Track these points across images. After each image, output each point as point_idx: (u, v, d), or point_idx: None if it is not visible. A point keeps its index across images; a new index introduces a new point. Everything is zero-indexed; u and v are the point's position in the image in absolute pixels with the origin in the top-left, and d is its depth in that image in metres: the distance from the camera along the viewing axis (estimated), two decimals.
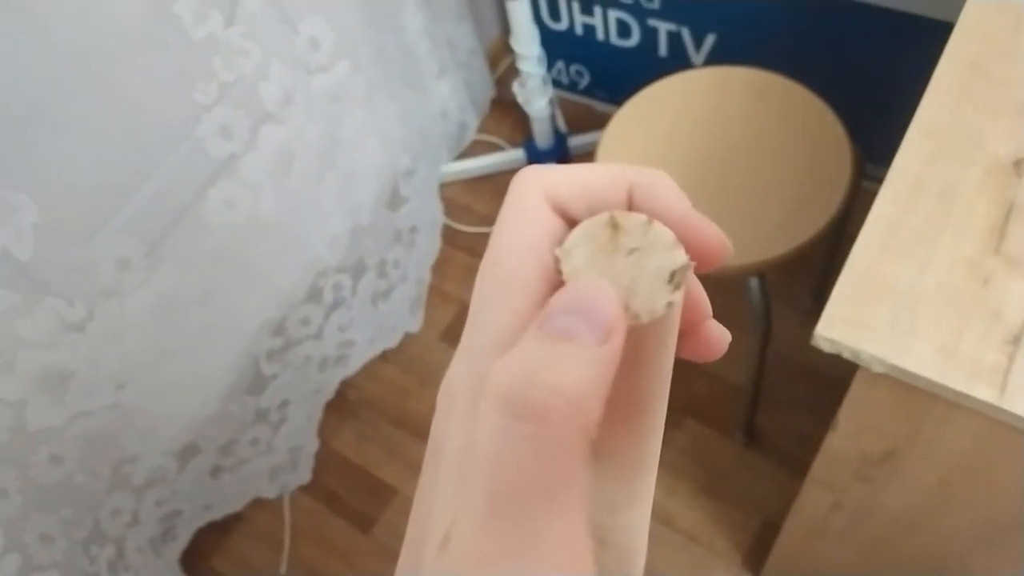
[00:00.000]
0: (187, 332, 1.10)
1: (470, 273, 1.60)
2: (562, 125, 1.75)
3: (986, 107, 0.70)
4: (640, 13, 1.51)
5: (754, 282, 1.01)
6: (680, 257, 0.19)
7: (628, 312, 0.19)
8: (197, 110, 0.98)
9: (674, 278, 0.19)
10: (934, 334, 0.59)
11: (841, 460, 0.78)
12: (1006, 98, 0.70)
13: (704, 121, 1.09)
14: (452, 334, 1.55)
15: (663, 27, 1.51)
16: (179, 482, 1.22)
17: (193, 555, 1.34)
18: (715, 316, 0.23)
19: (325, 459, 1.44)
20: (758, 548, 1.24)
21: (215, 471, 1.28)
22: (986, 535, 0.77)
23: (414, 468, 1.42)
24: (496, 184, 1.72)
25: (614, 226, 0.20)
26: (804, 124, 1.05)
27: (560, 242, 0.20)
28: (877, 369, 0.60)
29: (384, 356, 1.52)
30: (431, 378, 1.51)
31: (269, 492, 1.39)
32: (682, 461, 1.33)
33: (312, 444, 1.43)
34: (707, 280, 0.22)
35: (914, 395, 0.61)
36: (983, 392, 0.56)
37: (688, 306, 0.22)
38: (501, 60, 1.89)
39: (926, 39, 0.86)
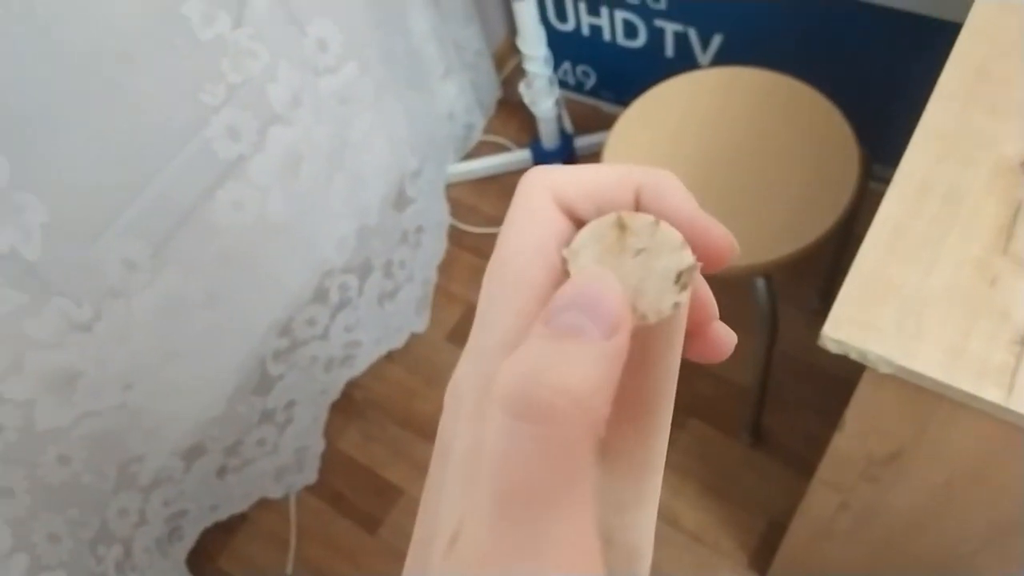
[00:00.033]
0: (193, 333, 1.10)
1: (476, 273, 1.60)
2: (568, 126, 1.75)
3: (993, 108, 0.69)
4: (647, 14, 1.51)
5: (761, 282, 1.01)
6: (687, 258, 0.19)
7: (635, 313, 0.19)
8: (205, 111, 0.98)
9: (681, 279, 0.19)
10: (941, 335, 0.59)
11: (848, 460, 0.77)
12: (1013, 99, 0.70)
13: (711, 122, 1.09)
14: (458, 334, 1.55)
15: (670, 27, 1.50)
16: (186, 482, 1.23)
17: (199, 555, 1.35)
18: (721, 316, 0.23)
19: (331, 459, 1.44)
20: (764, 548, 1.24)
21: (221, 471, 1.28)
22: (992, 535, 0.77)
23: (420, 468, 1.42)
24: (502, 185, 1.72)
25: (621, 227, 0.20)
26: (811, 125, 1.04)
27: (567, 243, 0.20)
28: (884, 370, 0.59)
29: (390, 356, 1.52)
30: (437, 378, 1.51)
31: (275, 492, 1.39)
32: (688, 461, 1.33)
33: (318, 444, 1.43)
34: (713, 280, 0.22)
35: (921, 396, 0.60)
36: (990, 392, 0.56)
37: (695, 307, 0.22)
38: (507, 61, 1.89)
39: (933, 40, 0.86)
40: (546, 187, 0.21)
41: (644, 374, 0.20)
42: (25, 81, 0.81)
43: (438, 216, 1.59)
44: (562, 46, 1.68)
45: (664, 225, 0.20)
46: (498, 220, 1.70)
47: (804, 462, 1.24)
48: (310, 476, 1.42)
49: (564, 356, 0.17)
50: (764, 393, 1.22)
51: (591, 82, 1.77)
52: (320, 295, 1.29)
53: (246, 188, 1.07)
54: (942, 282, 0.61)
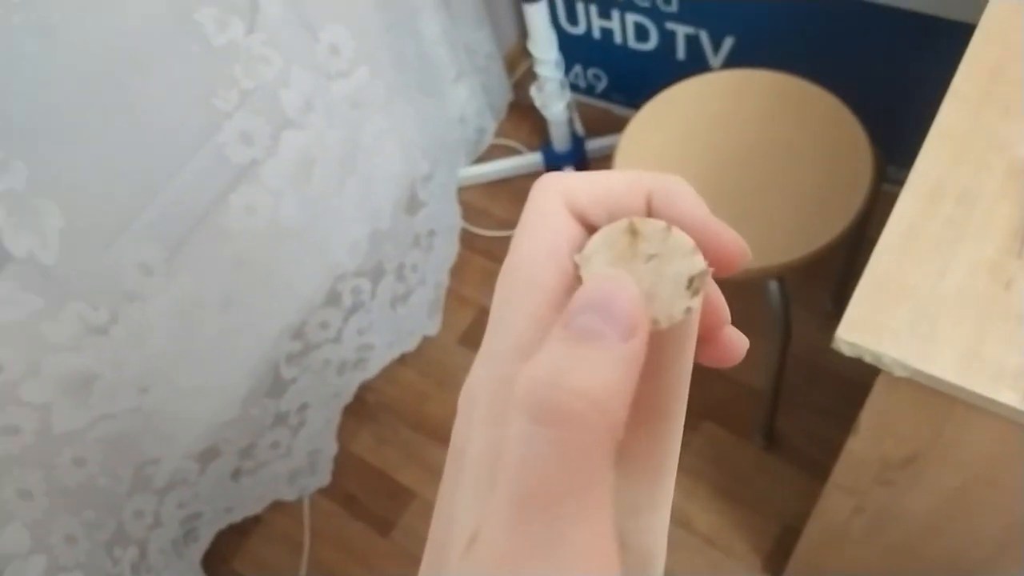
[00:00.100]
0: (208, 336, 1.11)
1: (488, 277, 1.61)
2: (580, 129, 1.75)
3: (1007, 109, 0.69)
4: (658, 16, 1.51)
5: (773, 285, 1.00)
6: (699, 263, 0.20)
7: (647, 318, 0.19)
8: (218, 117, 0.99)
9: (693, 284, 0.19)
10: (956, 338, 0.59)
11: (862, 464, 0.77)
12: None
13: (723, 124, 1.08)
14: (470, 337, 1.55)
15: (681, 30, 1.50)
16: (200, 484, 1.23)
17: (214, 557, 1.35)
18: (734, 318, 0.23)
19: (344, 462, 1.45)
20: (778, 552, 1.23)
21: (235, 474, 1.29)
22: (1008, 539, 0.76)
23: (432, 471, 1.42)
24: (514, 188, 1.72)
25: (633, 232, 0.20)
26: (824, 127, 1.04)
27: (580, 248, 0.21)
28: (899, 373, 0.59)
29: (402, 359, 1.53)
30: (449, 381, 1.51)
31: (288, 495, 1.40)
32: (701, 464, 1.32)
33: (331, 447, 1.43)
34: (726, 283, 0.22)
35: (936, 399, 0.60)
36: (1006, 396, 0.56)
37: (707, 311, 0.22)
38: (519, 64, 1.89)
39: (947, 41, 0.86)
40: (558, 193, 0.22)
41: (657, 379, 0.20)
42: (42, 88, 0.82)
43: (450, 219, 1.60)
44: (573, 49, 1.69)
45: (676, 230, 0.20)
46: (510, 223, 1.71)
47: (818, 465, 1.23)
48: (323, 479, 1.42)
49: (583, 360, 0.17)
50: (777, 396, 1.21)
51: (602, 85, 1.77)
52: (333, 299, 1.30)
53: (259, 192, 1.07)
54: (956, 285, 0.61)
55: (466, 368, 0.21)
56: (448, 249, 1.60)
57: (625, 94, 1.76)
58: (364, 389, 1.50)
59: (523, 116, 1.83)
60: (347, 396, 1.46)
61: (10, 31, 0.78)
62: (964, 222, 0.64)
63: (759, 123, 1.07)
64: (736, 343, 0.23)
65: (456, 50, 1.56)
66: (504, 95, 1.83)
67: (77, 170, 0.88)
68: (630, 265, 0.20)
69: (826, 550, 1.00)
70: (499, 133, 1.82)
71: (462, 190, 1.70)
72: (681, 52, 1.55)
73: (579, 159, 1.69)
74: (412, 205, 1.43)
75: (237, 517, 1.36)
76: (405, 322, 1.49)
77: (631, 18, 1.55)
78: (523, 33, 1.61)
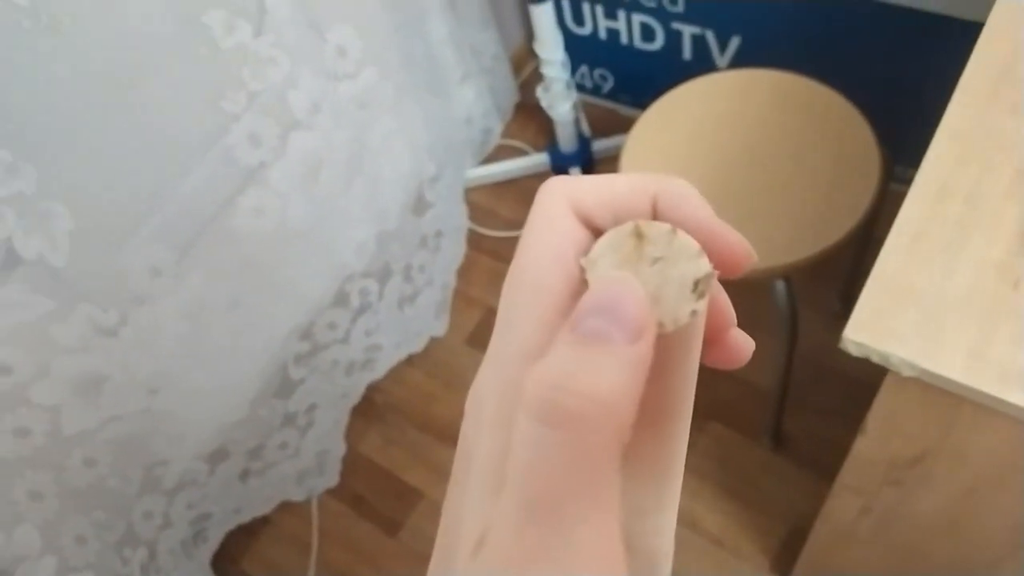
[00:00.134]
0: (217, 337, 1.12)
1: (495, 277, 1.61)
2: (586, 129, 1.75)
3: (1015, 109, 0.69)
4: (664, 16, 1.50)
5: (780, 285, 1.00)
6: (704, 266, 0.20)
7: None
8: (226, 119, 0.99)
9: (698, 287, 0.19)
10: (963, 338, 0.59)
11: (870, 465, 0.77)
12: None
13: (729, 124, 1.08)
14: (477, 338, 1.55)
15: (687, 30, 1.50)
16: (209, 485, 1.24)
17: (223, 557, 1.36)
18: (741, 319, 0.23)
19: (352, 463, 1.45)
20: (785, 553, 1.23)
21: (244, 475, 1.30)
22: (1017, 540, 0.76)
23: (440, 472, 1.43)
24: (520, 188, 1.73)
25: (639, 235, 0.20)
26: (831, 126, 1.04)
27: (586, 252, 0.21)
28: (906, 373, 0.59)
29: (410, 360, 1.53)
30: (457, 382, 1.51)
31: (297, 495, 1.40)
32: (708, 465, 1.32)
33: (339, 448, 1.44)
34: (733, 283, 0.22)
35: (944, 399, 0.60)
36: (1014, 396, 0.56)
37: (712, 314, 0.22)
38: (525, 65, 1.89)
39: (954, 40, 0.86)
40: (564, 197, 0.22)
41: (663, 381, 0.21)
42: (51, 92, 0.83)
43: (457, 220, 1.60)
44: (579, 50, 1.69)
45: (681, 233, 0.20)
46: (516, 224, 1.71)
47: (825, 466, 1.23)
48: (331, 479, 1.43)
49: (590, 363, 0.17)
50: (784, 396, 1.21)
51: (608, 85, 1.77)
52: (341, 299, 1.30)
53: (267, 194, 1.08)
54: (964, 284, 0.61)
55: (473, 369, 0.21)
56: (455, 250, 1.60)
57: (631, 94, 1.76)
58: (372, 390, 1.50)
59: (529, 117, 1.83)
60: (355, 397, 1.46)
61: (20, 35, 0.78)
62: (972, 222, 0.63)
63: (766, 123, 1.07)
64: (742, 345, 0.23)
65: (462, 51, 1.56)
66: (510, 96, 1.83)
67: (86, 173, 0.88)
68: (636, 268, 0.20)
69: (833, 550, 1.00)
70: (505, 134, 1.82)
71: (469, 191, 1.71)
72: (687, 52, 1.55)
73: (585, 159, 1.69)
74: (419, 206, 1.44)
75: (246, 518, 1.36)
76: (412, 323, 1.49)
77: (637, 18, 1.55)
78: (529, 34, 1.61)
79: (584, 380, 0.17)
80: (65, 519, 1.00)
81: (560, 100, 1.55)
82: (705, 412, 1.37)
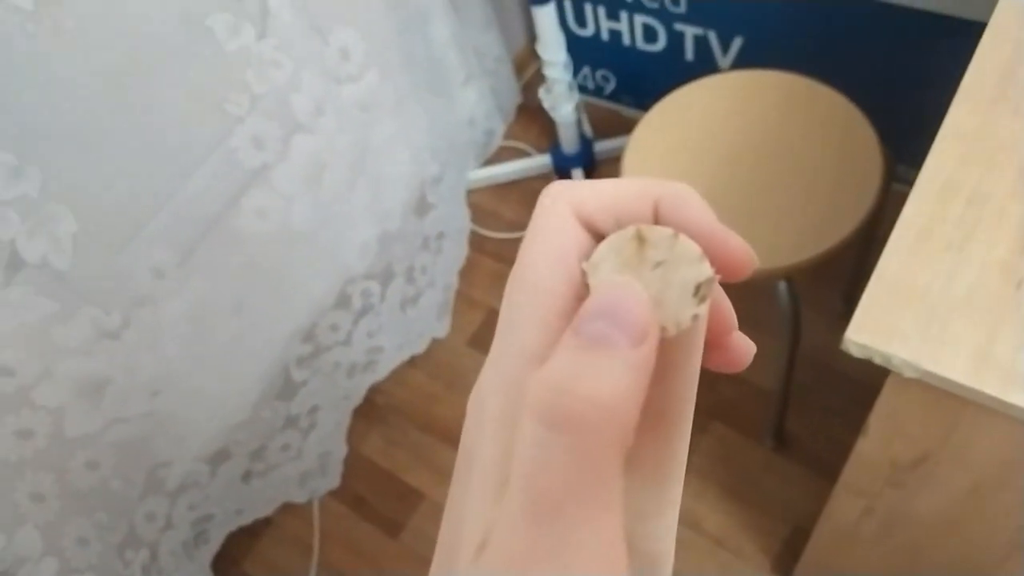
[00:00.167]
0: (220, 339, 1.12)
1: (497, 279, 1.61)
2: (588, 130, 1.75)
3: (1018, 108, 0.69)
4: (666, 17, 1.51)
5: (782, 285, 1.00)
6: (706, 270, 0.20)
7: None
8: (230, 121, 1.00)
9: (700, 291, 0.19)
10: (966, 339, 0.58)
11: (872, 466, 0.77)
12: None
13: (732, 125, 1.08)
14: (479, 339, 1.55)
15: (689, 31, 1.50)
16: (211, 487, 1.24)
17: (224, 559, 1.36)
18: (743, 319, 0.23)
19: (354, 464, 1.45)
20: (787, 554, 1.23)
21: (246, 476, 1.30)
22: (1019, 542, 0.76)
23: (442, 473, 1.43)
24: (523, 190, 1.73)
25: (640, 239, 0.20)
26: (833, 126, 1.04)
27: (587, 256, 0.21)
28: (908, 374, 0.59)
29: (412, 362, 1.53)
30: (459, 383, 1.51)
31: (299, 497, 1.40)
32: (710, 465, 1.32)
33: (341, 449, 1.44)
34: (735, 283, 0.22)
35: (946, 400, 0.60)
36: (1016, 397, 0.56)
37: (714, 318, 0.22)
38: (527, 66, 1.89)
39: (957, 40, 0.86)
40: (566, 201, 0.22)
41: (664, 385, 0.21)
42: (55, 94, 0.83)
43: (459, 222, 1.60)
44: (582, 51, 1.69)
45: (682, 238, 0.20)
46: (519, 225, 1.71)
47: (827, 466, 1.23)
48: (333, 481, 1.43)
49: (594, 366, 0.17)
50: (787, 397, 1.21)
51: (611, 87, 1.77)
52: (343, 301, 1.30)
53: (270, 196, 1.08)
54: (966, 285, 0.61)
55: (475, 370, 0.21)
56: (457, 251, 1.60)
57: (634, 95, 1.76)
58: (374, 391, 1.50)
59: (532, 118, 1.83)
60: (357, 398, 1.47)
61: (23, 38, 0.78)
62: (974, 222, 0.63)
63: (768, 123, 1.07)
64: (743, 349, 0.23)
65: (465, 53, 1.57)
66: (513, 97, 1.83)
67: (90, 176, 0.88)
68: (637, 272, 0.20)
69: (835, 551, 1.00)
70: (508, 135, 1.82)
71: (471, 192, 1.71)
72: (690, 53, 1.55)
73: (588, 161, 1.69)
74: (421, 207, 1.44)
75: (247, 519, 1.37)
76: (414, 324, 1.49)
77: (639, 19, 1.55)
78: (532, 35, 1.61)
79: (588, 383, 0.17)
80: (67, 521, 1.00)
81: (562, 101, 1.55)
82: (708, 412, 1.37)
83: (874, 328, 0.60)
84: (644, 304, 0.18)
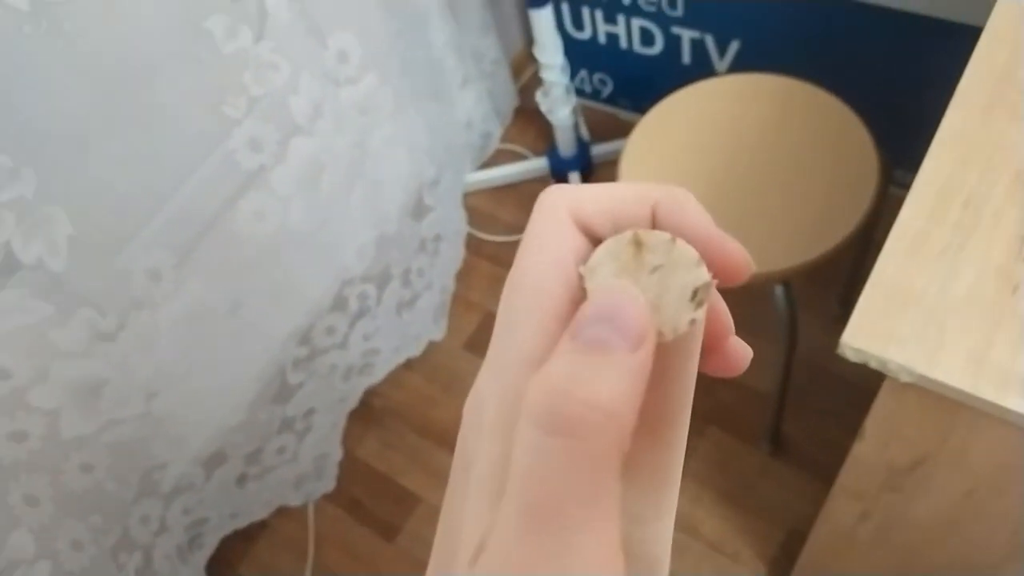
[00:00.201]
0: (216, 342, 1.12)
1: (494, 281, 1.61)
2: (585, 134, 1.75)
3: (1014, 113, 0.69)
4: (663, 21, 1.51)
5: (779, 289, 1.00)
6: (703, 275, 0.20)
7: None
8: (227, 124, 1.00)
9: (697, 295, 0.19)
10: (962, 343, 0.59)
11: (868, 469, 0.77)
12: None
13: (729, 128, 1.08)
14: (476, 342, 1.55)
15: (686, 35, 1.51)
16: (206, 490, 1.24)
17: (219, 562, 1.36)
18: (740, 322, 0.23)
19: (349, 467, 1.45)
20: (783, 558, 1.23)
21: (241, 479, 1.29)
22: (1016, 545, 0.76)
23: (438, 476, 1.42)
24: (520, 193, 1.73)
25: (638, 244, 0.20)
26: (830, 130, 1.04)
27: (585, 259, 0.21)
28: (905, 379, 0.59)
29: (408, 364, 1.53)
30: (455, 386, 1.51)
31: (294, 500, 1.40)
32: (707, 469, 1.32)
33: (337, 452, 1.44)
34: (732, 287, 0.22)
35: (942, 404, 0.60)
36: (1013, 401, 0.56)
37: (711, 322, 0.22)
38: (525, 69, 1.89)
39: (954, 44, 0.86)
40: (564, 204, 0.22)
41: (662, 390, 0.21)
42: (51, 96, 0.83)
43: (456, 224, 1.60)
44: (579, 54, 1.69)
45: (680, 242, 0.20)
46: (516, 228, 1.71)
47: (824, 470, 1.23)
48: (329, 484, 1.43)
49: (593, 370, 0.17)
50: (784, 400, 1.21)
51: (608, 90, 1.77)
52: (339, 304, 1.30)
53: (268, 198, 1.08)
54: (963, 289, 0.61)
55: (472, 373, 0.21)
56: (454, 254, 1.60)
57: (631, 99, 1.76)
58: (370, 394, 1.50)
59: (529, 121, 1.83)
60: (353, 401, 1.46)
61: (20, 39, 0.78)
62: (971, 226, 0.64)
63: (765, 127, 1.07)
64: (740, 353, 0.23)
65: (463, 56, 1.57)
66: (510, 100, 1.83)
67: (86, 178, 0.88)
68: (635, 276, 0.20)
69: (832, 555, 1.00)
70: (505, 138, 1.82)
71: (468, 195, 1.71)
72: (687, 56, 1.55)
73: (585, 164, 1.69)
74: (418, 210, 1.44)
75: (243, 523, 1.36)
76: (411, 327, 1.49)
77: (636, 23, 1.55)
78: (529, 38, 1.61)
79: (586, 388, 0.17)
80: (61, 524, 1.00)
81: (559, 104, 1.55)
82: (704, 416, 1.37)
83: (870, 332, 0.60)
84: (642, 308, 0.18)
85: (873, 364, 0.60)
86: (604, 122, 1.80)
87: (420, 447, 1.46)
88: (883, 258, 0.64)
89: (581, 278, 0.20)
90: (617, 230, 0.21)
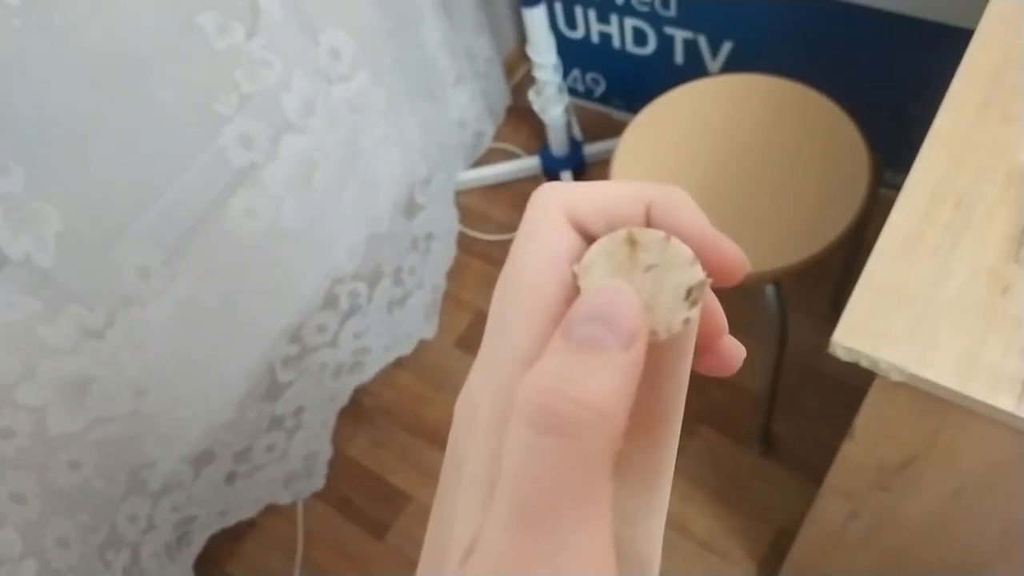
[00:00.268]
0: (206, 339, 1.11)
1: (486, 280, 1.61)
2: (578, 133, 1.75)
3: (1005, 115, 0.69)
4: (656, 21, 1.51)
5: (770, 289, 1.01)
6: (697, 273, 0.20)
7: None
8: (219, 120, 0.99)
9: (691, 295, 0.19)
10: (953, 343, 0.59)
11: (858, 468, 0.77)
12: None
13: (721, 128, 1.09)
14: (467, 341, 1.55)
15: (679, 35, 1.51)
16: (195, 488, 1.23)
17: (207, 561, 1.35)
18: (731, 322, 0.23)
19: (339, 466, 1.45)
20: (773, 557, 1.23)
21: (230, 477, 1.29)
22: (1005, 544, 0.76)
23: (428, 475, 1.42)
24: (512, 192, 1.73)
25: (632, 242, 0.20)
26: (821, 131, 1.04)
27: (578, 258, 0.21)
28: (895, 378, 0.59)
29: (399, 363, 1.53)
30: (446, 385, 1.51)
31: (284, 499, 1.39)
32: (698, 469, 1.32)
33: (327, 451, 1.43)
34: (723, 287, 0.22)
35: (932, 404, 0.60)
36: (1003, 401, 0.56)
37: (705, 322, 0.22)
38: (517, 68, 1.89)
39: (945, 46, 0.86)
40: (558, 202, 0.22)
41: (655, 388, 0.20)
42: (40, 91, 0.82)
43: (448, 223, 1.60)
44: (572, 53, 1.69)
45: (675, 241, 0.20)
46: (508, 227, 1.71)
47: (814, 469, 1.23)
48: (318, 482, 1.42)
49: (585, 369, 0.17)
50: (774, 400, 1.21)
51: (601, 89, 1.77)
52: (330, 302, 1.30)
53: (259, 196, 1.07)
54: (954, 290, 0.61)
55: (463, 371, 0.21)
56: (446, 252, 1.60)
57: (623, 98, 1.76)
58: (360, 392, 1.50)
59: (521, 120, 1.83)
60: (343, 399, 1.46)
61: (10, 34, 0.78)
62: (962, 227, 0.64)
63: (757, 127, 1.07)
64: (734, 352, 0.23)
65: (456, 55, 1.56)
66: (503, 99, 1.83)
67: (76, 173, 0.87)
68: (629, 275, 0.20)
69: (821, 554, 1.00)
70: (497, 137, 1.82)
71: (460, 194, 1.70)
72: (679, 56, 1.55)
73: (577, 163, 1.69)
74: (410, 208, 1.43)
75: (231, 521, 1.36)
76: (402, 325, 1.49)
77: (629, 22, 1.55)
78: (522, 38, 1.61)
79: (577, 386, 0.16)
80: (47, 521, 0.99)
81: (552, 104, 1.55)
82: (696, 416, 1.37)
83: (861, 332, 0.60)
84: (634, 307, 0.18)
85: (864, 363, 0.60)
86: (597, 121, 1.80)
87: (411, 445, 1.46)
88: (874, 258, 0.64)
89: (575, 277, 0.20)
90: (611, 229, 0.21)
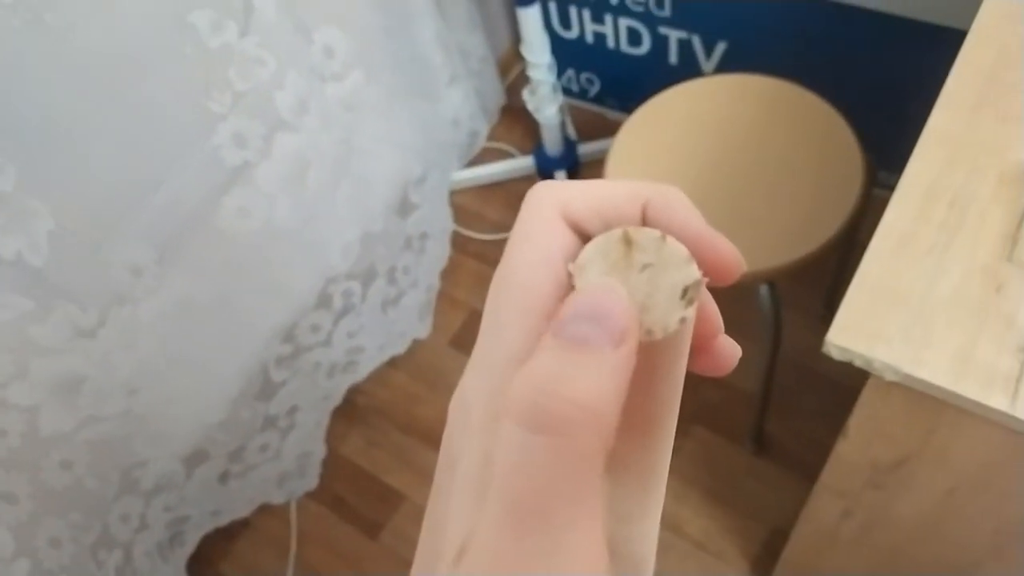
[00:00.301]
0: (199, 338, 1.11)
1: (480, 279, 1.61)
2: (572, 132, 1.75)
3: (999, 114, 0.69)
4: (651, 21, 1.51)
5: (764, 289, 1.01)
6: (693, 273, 0.19)
7: (641, 328, 0.19)
8: (212, 119, 0.99)
9: (687, 294, 0.19)
10: (946, 342, 0.59)
11: (852, 467, 0.77)
12: (1019, 105, 0.70)
13: (715, 128, 1.09)
14: (461, 340, 1.55)
15: (674, 35, 1.51)
16: (188, 488, 1.23)
17: (200, 560, 1.35)
18: (725, 322, 0.23)
19: (333, 465, 1.44)
20: (767, 556, 1.24)
21: (224, 477, 1.28)
22: (998, 543, 0.77)
23: (422, 474, 1.42)
24: (506, 191, 1.72)
25: (628, 242, 0.20)
26: (815, 131, 1.05)
27: (574, 257, 0.20)
28: (889, 377, 0.59)
29: (393, 362, 1.53)
30: (440, 384, 1.51)
31: (277, 498, 1.39)
32: (692, 468, 1.33)
33: (320, 450, 1.43)
34: (716, 287, 0.22)
35: (926, 403, 0.60)
36: (996, 400, 0.56)
37: (700, 321, 0.22)
38: (512, 68, 1.89)
39: (939, 46, 0.86)
40: (553, 201, 0.22)
41: (650, 389, 0.20)
42: (33, 88, 0.82)
43: (442, 222, 1.59)
44: (566, 53, 1.69)
45: (671, 240, 0.20)
46: (502, 226, 1.71)
47: (808, 469, 1.23)
48: (312, 482, 1.42)
49: (575, 367, 0.17)
50: (768, 400, 1.21)
51: (595, 89, 1.77)
52: (324, 301, 1.29)
53: (253, 195, 1.07)
54: (947, 289, 0.61)
55: (457, 371, 0.21)
56: (440, 252, 1.60)
57: (618, 98, 1.76)
58: (354, 392, 1.49)
59: (516, 120, 1.83)
60: (337, 399, 1.46)
61: (1, 32, 0.77)
62: (956, 226, 0.64)
63: (751, 127, 1.07)
64: (729, 352, 0.23)
65: (450, 54, 1.56)
66: (497, 99, 1.83)
67: (68, 172, 0.87)
68: (625, 275, 0.20)
69: (814, 553, 1.00)
70: (492, 136, 1.82)
71: (454, 193, 1.70)
72: (674, 57, 1.55)
73: (571, 163, 1.69)
74: (404, 208, 1.43)
75: (225, 520, 1.35)
76: (396, 325, 1.49)
77: (624, 22, 1.55)
78: (516, 37, 1.61)
79: (569, 385, 0.16)
80: (39, 521, 0.98)
81: (546, 103, 1.55)
82: (689, 416, 1.37)
83: (855, 331, 0.60)
84: (625, 305, 0.18)
85: (858, 363, 0.60)
86: (591, 121, 1.80)
87: (404, 445, 1.45)
88: (868, 257, 0.64)
89: (570, 276, 0.20)
90: (607, 228, 0.21)
